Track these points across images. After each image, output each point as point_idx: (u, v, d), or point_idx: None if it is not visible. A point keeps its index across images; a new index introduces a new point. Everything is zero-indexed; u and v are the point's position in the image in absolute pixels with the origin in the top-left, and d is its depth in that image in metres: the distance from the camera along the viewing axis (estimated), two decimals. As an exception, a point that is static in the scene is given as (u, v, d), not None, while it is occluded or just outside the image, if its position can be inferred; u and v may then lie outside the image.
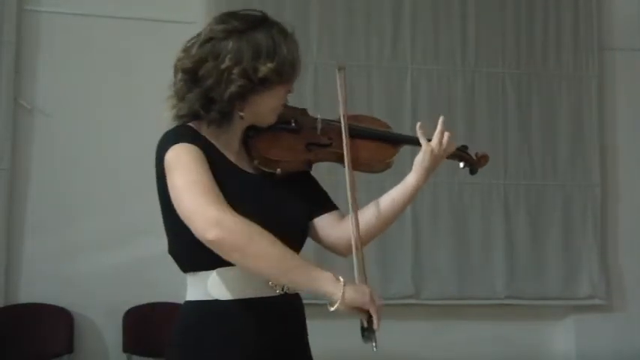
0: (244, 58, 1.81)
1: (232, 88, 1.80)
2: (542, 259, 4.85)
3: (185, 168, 1.74)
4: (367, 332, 1.73)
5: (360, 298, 1.71)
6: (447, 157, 2.07)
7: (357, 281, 1.78)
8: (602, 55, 5.09)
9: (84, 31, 4.47)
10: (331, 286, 1.69)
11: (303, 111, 1.99)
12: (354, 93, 4.71)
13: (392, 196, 1.99)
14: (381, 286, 4.65)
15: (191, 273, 1.87)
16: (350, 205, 1.85)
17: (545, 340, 4.93)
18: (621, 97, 5.13)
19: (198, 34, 1.90)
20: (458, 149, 2.10)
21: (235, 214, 1.68)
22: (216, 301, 1.82)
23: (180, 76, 1.88)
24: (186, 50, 1.88)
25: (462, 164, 2.14)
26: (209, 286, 1.83)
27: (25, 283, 4.31)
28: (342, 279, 1.70)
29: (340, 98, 1.93)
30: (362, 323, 1.73)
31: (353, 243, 1.84)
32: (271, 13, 5.00)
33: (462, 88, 4.87)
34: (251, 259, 1.67)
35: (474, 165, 2.14)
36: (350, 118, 1.99)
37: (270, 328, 1.85)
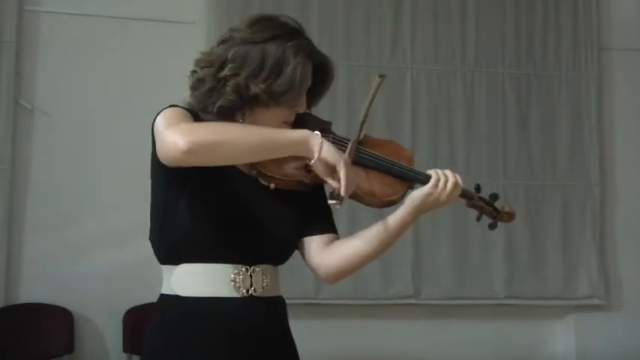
0: (241, 73, 1.77)
1: (222, 102, 1.77)
2: (541, 259, 4.86)
3: (166, 115, 1.73)
4: (335, 193, 1.69)
5: (335, 155, 1.68)
6: (467, 207, 1.92)
7: (353, 140, 1.77)
8: (602, 56, 5.09)
9: (84, 31, 4.47)
10: (308, 135, 1.68)
11: (324, 125, 1.87)
12: (354, 93, 4.72)
13: (373, 232, 1.86)
14: (381, 286, 4.66)
15: (163, 265, 1.86)
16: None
17: (545, 340, 4.94)
18: (620, 98, 5.13)
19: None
20: (481, 198, 1.91)
21: (191, 121, 1.69)
22: (177, 296, 1.80)
23: (195, 68, 1.84)
24: (211, 49, 1.85)
25: (479, 215, 1.94)
26: (172, 281, 1.81)
27: (25, 283, 4.31)
28: (318, 134, 1.69)
29: (367, 102, 1.79)
30: (332, 187, 1.70)
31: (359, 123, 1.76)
32: (271, 13, 4.95)
33: (461, 88, 4.88)
34: (228, 148, 1.65)
35: (496, 220, 1.94)
36: (369, 143, 1.86)
37: (229, 329, 1.79)
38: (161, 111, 1.77)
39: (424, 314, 4.73)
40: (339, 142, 1.82)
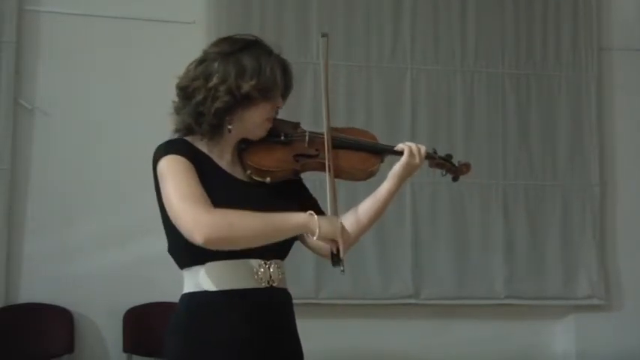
0: (230, 76, 2.00)
1: (218, 104, 1.99)
2: (541, 259, 4.86)
3: (173, 177, 1.93)
4: (336, 258, 1.98)
5: (332, 230, 1.96)
6: (430, 166, 2.25)
7: (329, 212, 2.00)
8: (602, 55, 5.09)
9: (84, 31, 4.47)
10: (308, 220, 1.94)
11: (294, 125, 2.15)
12: (354, 93, 4.72)
13: (368, 203, 2.15)
14: (381, 286, 4.66)
15: (186, 268, 2.03)
16: (327, 163, 2.04)
17: (545, 340, 4.94)
18: (620, 98, 5.13)
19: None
20: (441, 157, 2.25)
21: (211, 210, 1.88)
22: (205, 292, 1.98)
23: (177, 92, 2.07)
24: (186, 71, 2.08)
25: (443, 172, 2.29)
26: (200, 279, 1.99)
27: (25, 283, 4.31)
28: (314, 214, 1.94)
29: (322, 66, 2.10)
30: (332, 250, 1.99)
31: (327, 178, 2.02)
32: (272, 14, 4.99)
33: (461, 88, 4.88)
34: (241, 240, 1.90)
35: (457, 173, 2.30)
36: (338, 130, 2.15)
37: (256, 318, 1.99)
38: (160, 156, 1.97)
39: (424, 314, 4.73)
40: (317, 136, 2.09)
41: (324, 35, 2.09)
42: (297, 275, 4.20)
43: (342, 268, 1.96)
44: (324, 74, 2.09)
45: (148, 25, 4.51)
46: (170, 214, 1.91)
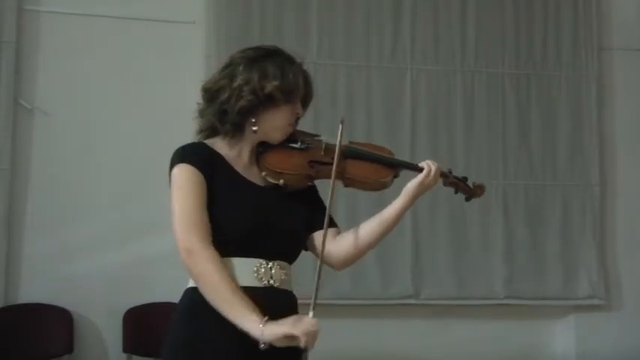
0: (254, 78, 2.09)
1: (242, 102, 2.08)
2: (541, 259, 4.86)
3: (182, 191, 2.03)
4: (304, 353, 2.00)
5: (282, 332, 1.92)
6: (444, 185, 2.27)
7: (312, 301, 1.99)
8: (602, 55, 5.09)
9: (84, 31, 4.47)
10: (251, 326, 1.91)
11: (313, 135, 2.23)
12: (354, 93, 4.72)
13: (380, 217, 2.18)
14: (381, 286, 4.66)
15: None
16: (325, 226, 2.08)
17: (545, 340, 4.94)
18: (620, 97, 5.13)
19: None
20: (455, 177, 2.28)
21: (208, 250, 1.97)
22: None
23: (202, 94, 2.16)
24: (212, 75, 2.17)
25: (455, 191, 2.31)
26: None
27: (25, 283, 4.31)
28: (264, 320, 1.91)
29: (337, 147, 2.13)
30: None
31: (318, 267, 2.04)
32: (272, 14, 4.98)
33: (461, 88, 4.87)
34: (200, 288, 1.98)
35: (470, 194, 2.32)
36: (355, 144, 2.23)
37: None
38: (175, 162, 2.06)
39: (424, 314, 4.73)
40: (333, 146, 2.14)
41: (342, 122, 2.13)
42: (297, 275, 4.18)
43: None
44: (337, 155, 2.11)
45: (148, 25, 4.51)
46: (173, 225, 2.01)
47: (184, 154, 2.07)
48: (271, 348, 1.92)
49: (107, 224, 4.37)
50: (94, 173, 4.41)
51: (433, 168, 2.17)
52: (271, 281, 2.07)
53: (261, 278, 2.06)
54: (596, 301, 4.91)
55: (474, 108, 4.88)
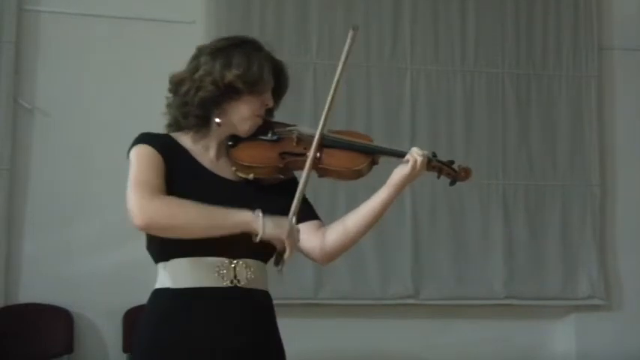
0: (215, 68, 2.00)
1: (202, 94, 1.99)
2: (541, 259, 4.86)
3: (134, 165, 1.96)
4: (279, 257, 1.94)
5: (278, 233, 1.90)
6: (428, 170, 2.15)
7: (292, 211, 1.95)
8: (602, 55, 5.10)
9: (84, 31, 4.47)
10: (251, 219, 1.88)
11: (283, 124, 2.13)
12: (354, 93, 4.72)
13: (365, 208, 2.09)
14: (381, 286, 4.66)
15: (158, 264, 2.04)
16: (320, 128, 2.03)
17: (545, 340, 4.94)
18: (621, 97, 5.13)
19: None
20: (439, 161, 2.17)
21: (155, 196, 1.88)
22: (167, 289, 1.98)
23: (169, 87, 2.08)
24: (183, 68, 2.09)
25: (438, 175, 2.20)
26: (163, 276, 2.00)
27: (25, 283, 4.31)
28: (260, 213, 1.88)
29: (343, 57, 2.04)
30: (278, 249, 1.94)
31: (301, 180, 1.99)
32: (272, 14, 4.97)
33: (461, 88, 4.88)
34: (178, 231, 1.89)
35: (455, 177, 2.22)
36: (334, 132, 2.13)
37: (214, 318, 1.95)
38: (131, 146, 2.01)
39: (424, 314, 4.73)
40: (306, 136, 2.06)
41: (355, 28, 2.03)
42: (297, 275, 4.19)
43: (280, 268, 1.94)
44: (341, 66, 2.03)
45: (148, 25, 4.51)
46: (127, 194, 1.92)
47: (143, 138, 2.02)
48: (243, 346, 1.92)
49: (107, 224, 4.36)
50: (93, 173, 4.41)
51: (419, 160, 2.06)
52: (235, 281, 1.96)
53: (224, 277, 1.95)
54: (596, 301, 4.92)
55: (474, 108, 4.88)
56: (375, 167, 2.10)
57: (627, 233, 5.04)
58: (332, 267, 4.43)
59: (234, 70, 1.99)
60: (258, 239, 1.88)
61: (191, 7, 4.54)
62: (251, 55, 2.03)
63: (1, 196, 4.28)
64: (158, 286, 2.01)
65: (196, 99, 2.00)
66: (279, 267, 1.94)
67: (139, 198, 1.88)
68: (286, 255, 1.91)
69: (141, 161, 1.96)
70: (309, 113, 4.42)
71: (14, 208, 4.34)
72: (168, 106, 2.07)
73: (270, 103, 2.08)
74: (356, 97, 4.71)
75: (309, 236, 2.07)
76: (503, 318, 4.82)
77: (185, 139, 2.04)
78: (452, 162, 2.22)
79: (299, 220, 2.03)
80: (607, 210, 5.01)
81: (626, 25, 5.17)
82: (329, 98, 2.05)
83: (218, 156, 2.06)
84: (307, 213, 2.08)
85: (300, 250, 2.07)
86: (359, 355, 4.56)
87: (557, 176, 4.94)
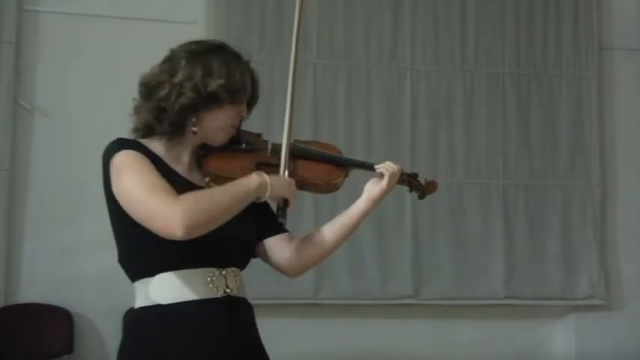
0: (196, 74, 1.93)
1: (182, 100, 1.91)
2: (541, 259, 4.86)
3: (134, 172, 1.84)
4: (281, 211, 2.00)
5: (283, 190, 1.96)
6: (399, 183, 2.18)
7: (281, 171, 2.00)
8: (602, 55, 5.10)
9: (84, 31, 4.47)
10: (261, 181, 1.89)
11: (256, 135, 2.10)
12: (354, 93, 4.71)
13: (344, 221, 2.09)
14: (381, 286, 4.65)
15: (137, 281, 1.95)
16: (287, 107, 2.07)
17: (545, 340, 4.94)
18: (621, 97, 5.13)
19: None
20: (408, 175, 2.21)
21: (177, 199, 1.78)
22: (157, 305, 1.89)
23: (139, 89, 2.00)
24: (151, 69, 2.02)
25: (409, 189, 2.25)
26: (150, 292, 1.90)
27: (25, 283, 4.31)
28: (264, 175, 1.91)
29: (295, 23, 2.09)
30: (279, 204, 2.00)
31: (284, 142, 2.02)
32: (271, 14, 4.97)
33: (461, 88, 4.87)
34: (216, 220, 1.81)
35: (423, 191, 2.26)
36: (302, 142, 2.13)
37: (213, 331, 1.89)
38: (114, 152, 1.91)
39: (424, 314, 4.73)
40: (279, 146, 2.04)
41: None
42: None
43: (283, 220, 2.00)
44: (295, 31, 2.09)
45: (149, 25, 4.50)
46: (136, 212, 1.83)
47: (121, 144, 1.91)
48: (244, 355, 1.90)
49: (107, 224, 4.33)
50: (93, 173, 4.37)
51: (396, 173, 2.10)
52: (227, 290, 1.92)
53: (217, 287, 1.90)
54: (596, 301, 4.91)
55: (473, 108, 4.88)
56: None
57: (627, 233, 5.04)
58: (332, 267, 4.44)
59: (218, 80, 1.92)
60: (266, 197, 1.91)
61: (192, 8, 4.54)
62: (230, 62, 1.97)
63: (1, 196, 4.28)
64: (142, 304, 1.91)
65: (176, 105, 1.91)
66: (283, 220, 2.00)
67: (169, 205, 1.76)
68: (290, 208, 1.97)
69: (138, 166, 1.85)
70: (309, 113, 4.41)
71: (14, 208, 4.34)
72: (137, 109, 1.98)
73: (245, 114, 2.04)
74: (356, 96, 4.70)
75: (281, 249, 2.06)
76: (503, 318, 4.82)
77: (156, 146, 1.96)
78: (416, 175, 2.26)
79: (267, 236, 2.06)
80: (607, 210, 5.01)
81: (626, 25, 5.17)
82: (288, 101, 2.07)
83: (191, 165, 2.00)
84: (275, 227, 2.06)
85: (271, 264, 2.08)
86: (359, 355, 4.56)
87: (557, 176, 4.94)
